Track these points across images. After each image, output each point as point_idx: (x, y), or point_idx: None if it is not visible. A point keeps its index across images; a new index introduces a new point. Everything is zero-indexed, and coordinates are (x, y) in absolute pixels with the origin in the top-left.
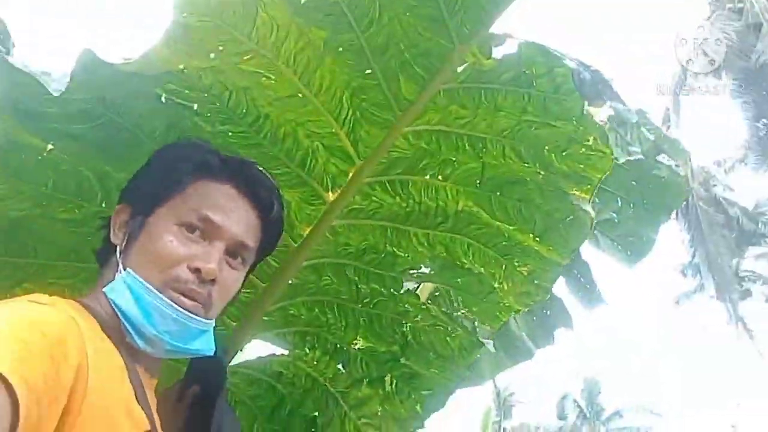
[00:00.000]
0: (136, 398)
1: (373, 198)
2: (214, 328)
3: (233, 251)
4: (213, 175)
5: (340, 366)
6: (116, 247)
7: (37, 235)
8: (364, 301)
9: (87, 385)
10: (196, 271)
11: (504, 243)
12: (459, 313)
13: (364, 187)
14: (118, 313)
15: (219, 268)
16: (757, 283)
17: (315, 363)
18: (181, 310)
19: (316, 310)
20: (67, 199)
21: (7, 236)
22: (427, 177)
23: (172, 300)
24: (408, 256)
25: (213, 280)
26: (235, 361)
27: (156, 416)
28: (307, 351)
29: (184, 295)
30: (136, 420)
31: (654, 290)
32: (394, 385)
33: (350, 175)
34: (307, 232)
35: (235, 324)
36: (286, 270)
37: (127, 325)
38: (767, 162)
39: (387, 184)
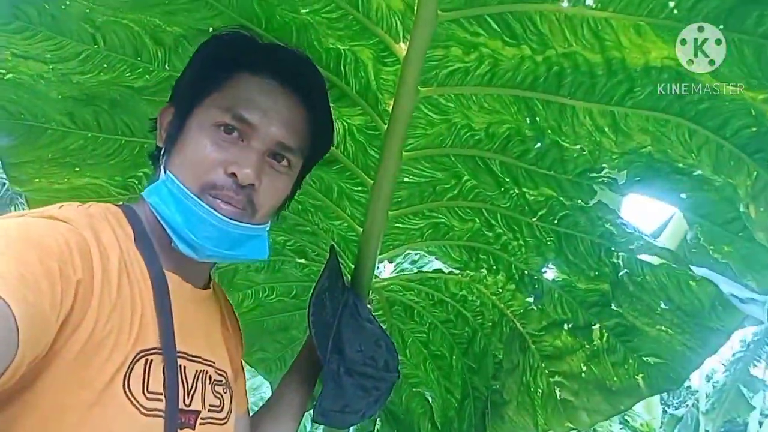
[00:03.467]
0: (156, 312)
1: (483, 48)
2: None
3: (276, 153)
4: (253, 68)
5: (531, 299)
6: (162, 149)
7: (129, 112)
8: (540, 213)
9: (91, 300)
10: (233, 175)
11: None
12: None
13: (456, 31)
14: (158, 218)
15: (258, 172)
16: None
17: (499, 290)
18: (219, 215)
19: (477, 221)
20: (136, 63)
21: (111, 116)
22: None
23: (209, 205)
24: (584, 150)
25: (252, 185)
26: (394, 273)
27: (187, 328)
28: (484, 272)
29: (222, 201)
30: (143, 336)
31: None
32: (604, 340)
33: (415, 5)
34: (391, 106)
35: (361, 229)
36: (387, 162)
37: (168, 230)
38: None
39: (489, 19)
